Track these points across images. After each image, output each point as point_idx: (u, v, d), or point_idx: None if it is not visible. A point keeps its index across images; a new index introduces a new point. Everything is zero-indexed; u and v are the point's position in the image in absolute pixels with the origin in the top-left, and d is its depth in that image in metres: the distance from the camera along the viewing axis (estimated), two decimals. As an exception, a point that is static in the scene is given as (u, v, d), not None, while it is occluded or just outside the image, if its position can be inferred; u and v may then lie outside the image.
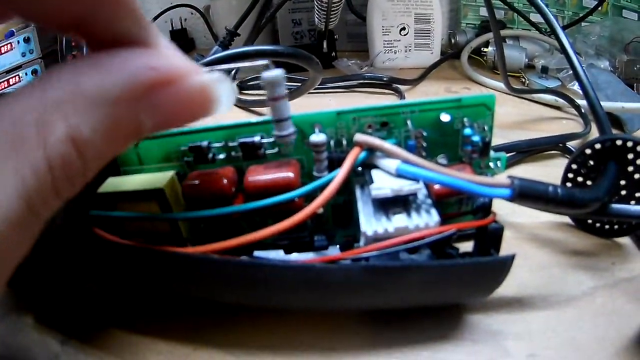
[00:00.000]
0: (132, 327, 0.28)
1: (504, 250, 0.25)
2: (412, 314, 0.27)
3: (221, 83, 0.19)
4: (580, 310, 0.28)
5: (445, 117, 0.25)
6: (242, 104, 0.68)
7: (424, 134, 0.25)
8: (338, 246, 0.28)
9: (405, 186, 0.23)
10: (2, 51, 0.93)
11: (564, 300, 0.29)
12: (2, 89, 0.91)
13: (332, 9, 0.74)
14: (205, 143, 0.26)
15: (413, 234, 0.23)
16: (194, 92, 0.18)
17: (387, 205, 0.24)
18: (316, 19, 0.80)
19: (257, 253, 0.26)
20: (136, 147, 0.27)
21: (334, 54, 0.86)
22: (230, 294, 0.25)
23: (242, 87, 0.77)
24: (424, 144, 0.26)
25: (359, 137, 0.24)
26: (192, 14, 1.25)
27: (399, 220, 0.23)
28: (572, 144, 0.49)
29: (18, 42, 0.88)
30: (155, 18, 1.19)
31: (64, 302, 0.29)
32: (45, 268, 0.26)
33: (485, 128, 0.26)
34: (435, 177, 0.23)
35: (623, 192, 0.31)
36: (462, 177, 0.23)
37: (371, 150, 0.24)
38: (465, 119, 0.26)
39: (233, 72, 0.71)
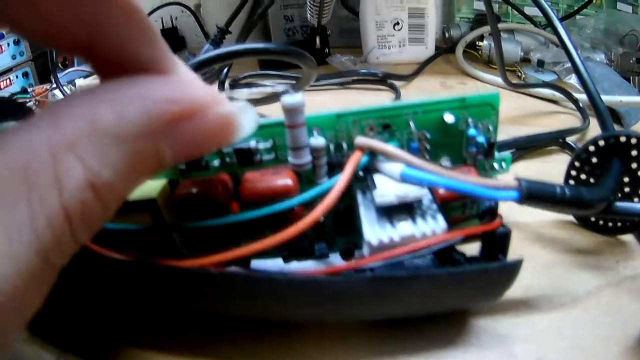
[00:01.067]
0: (129, 342, 0.27)
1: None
2: (417, 321, 0.27)
3: (245, 112, 0.18)
4: (585, 310, 0.28)
5: (449, 118, 0.24)
6: (234, 103, 0.67)
7: (427, 135, 0.24)
8: (338, 253, 0.27)
9: (410, 192, 0.22)
10: (-8, 54, 0.92)
11: (570, 300, 0.28)
12: (-5, 92, 0.90)
13: (325, 4, 0.73)
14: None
15: (420, 243, 0.22)
16: (217, 124, 0.17)
17: (391, 211, 0.23)
18: (308, 15, 0.79)
19: (254, 263, 0.25)
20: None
21: (327, 50, 0.85)
22: (229, 308, 0.24)
23: (234, 85, 0.76)
24: (427, 147, 0.25)
25: (360, 140, 0.23)
26: (182, 12, 1.25)
27: (405, 228, 0.22)
28: (571, 139, 0.49)
29: (8, 44, 0.87)
30: (146, 17, 1.19)
31: (60, 316, 0.28)
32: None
33: (490, 128, 0.25)
34: (441, 181, 0.22)
35: (627, 189, 0.31)
36: (469, 181, 0.22)
37: (373, 153, 0.23)
38: (469, 119, 0.25)
39: (225, 70, 0.70)
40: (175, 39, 1.27)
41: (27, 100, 0.85)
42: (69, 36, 0.15)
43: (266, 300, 0.23)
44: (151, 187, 0.24)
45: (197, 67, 0.40)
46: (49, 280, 0.14)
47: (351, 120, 0.24)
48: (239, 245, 0.22)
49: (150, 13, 1.20)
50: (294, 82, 0.64)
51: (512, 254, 0.25)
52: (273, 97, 0.61)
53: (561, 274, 0.31)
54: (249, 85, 0.75)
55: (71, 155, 0.14)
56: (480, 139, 0.25)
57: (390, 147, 0.22)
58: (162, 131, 0.16)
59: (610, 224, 0.34)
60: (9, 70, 0.93)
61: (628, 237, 0.34)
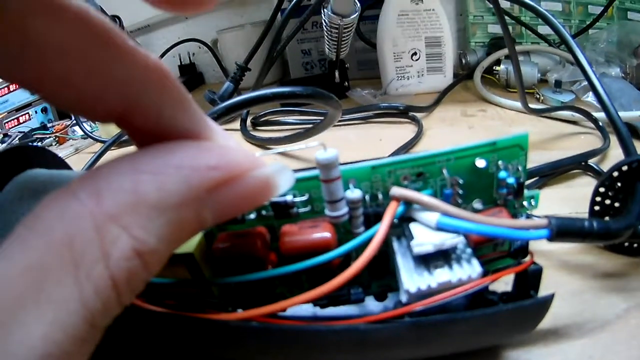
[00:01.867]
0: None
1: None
2: (449, 355, 0.27)
3: (282, 173, 0.19)
4: (614, 333, 0.28)
5: (480, 163, 0.24)
6: (256, 141, 0.69)
7: (460, 181, 0.25)
8: (373, 296, 0.27)
9: (446, 240, 0.22)
10: (12, 89, 0.94)
11: (599, 325, 0.29)
12: (13, 127, 0.91)
13: (343, 38, 0.74)
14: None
15: (457, 289, 0.22)
16: (256, 186, 0.18)
17: (428, 258, 0.23)
18: (326, 49, 0.80)
19: (290, 311, 0.25)
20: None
21: (346, 83, 0.86)
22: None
23: (256, 123, 0.76)
24: (460, 192, 0.25)
25: (395, 190, 0.23)
26: (199, 47, 1.27)
27: (442, 275, 0.22)
28: (593, 160, 0.50)
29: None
30: (164, 54, 1.21)
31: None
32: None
33: (519, 168, 0.26)
34: (476, 228, 0.22)
35: None
36: (501, 224, 0.23)
37: (408, 203, 0.23)
38: (499, 162, 0.25)
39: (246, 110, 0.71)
40: (193, 74, 1.29)
41: (47, 136, 0.86)
42: (104, 107, 0.16)
43: (308, 350, 0.23)
44: (188, 241, 0.24)
45: (224, 112, 0.40)
46: (95, 341, 0.14)
47: (386, 170, 0.24)
48: (273, 295, 0.23)
49: (168, 49, 1.22)
50: (315, 117, 0.65)
51: (540, 284, 0.25)
52: (297, 136, 0.62)
53: (589, 299, 0.31)
54: (270, 122, 0.76)
55: (116, 226, 0.14)
56: (511, 180, 0.25)
57: (426, 197, 0.23)
58: (203, 198, 0.16)
59: (635, 245, 0.34)
60: (28, 105, 0.94)
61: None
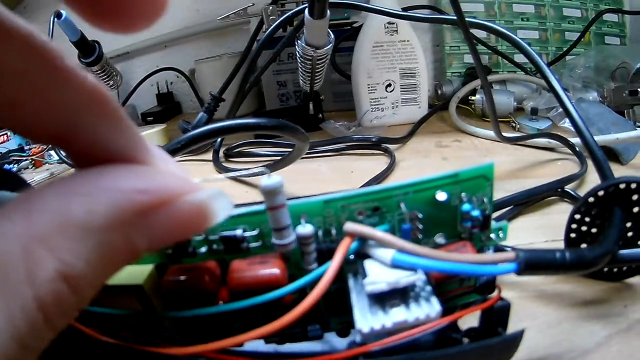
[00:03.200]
0: None
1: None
2: None
3: (217, 199, 0.18)
4: None
5: (441, 196, 0.24)
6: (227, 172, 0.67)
7: (420, 215, 0.24)
8: (334, 332, 0.27)
9: (402, 278, 0.21)
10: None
11: (577, 355, 0.28)
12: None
13: (317, 70, 0.74)
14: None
15: (414, 330, 0.21)
16: (189, 212, 0.17)
17: (384, 296, 0.22)
18: (301, 81, 0.80)
19: (248, 345, 0.25)
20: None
21: (320, 115, 0.86)
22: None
23: (229, 154, 0.76)
24: (420, 226, 0.24)
25: (348, 226, 0.22)
26: (177, 77, 1.27)
27: (397, 314, 0.21)
28: (570, 186, 0.49)
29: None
30: (142, 81, 1.21)
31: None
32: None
33: (485, 200, 0.25)
34: (434, 265, 0.21)
35: (630, 234, 0.31)
36: (463, 260, 0.22)
37: (363, 239, 0.22)
38: (463, 194, 0.24)
39: (219, 139, 0.70)
40: (171, 103, 1.29)
41: (24, 158, 0.88)
42: (40, 129, 0.16)
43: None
44: (139, 271, 0.24)
45: (188, 143, 0.40)
46: None
47: (340, 205, 0.23)
48: (231, 330, 0.22)
49: (146, 77, 1.22)
50: (287, 149, 0.65)
51: (515, 316, 0.24)
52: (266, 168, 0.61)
53: (567, 329, 0.31)
54: (242, 153, 0.75)
55: (43, 249, 0.14)
56: (475, 212, 0.25)
57: (379, 233, 0.22)
58: (132, 222, 0.16)
59: (615, 270, 0.34)
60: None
61: (635, 280, 0.34)
